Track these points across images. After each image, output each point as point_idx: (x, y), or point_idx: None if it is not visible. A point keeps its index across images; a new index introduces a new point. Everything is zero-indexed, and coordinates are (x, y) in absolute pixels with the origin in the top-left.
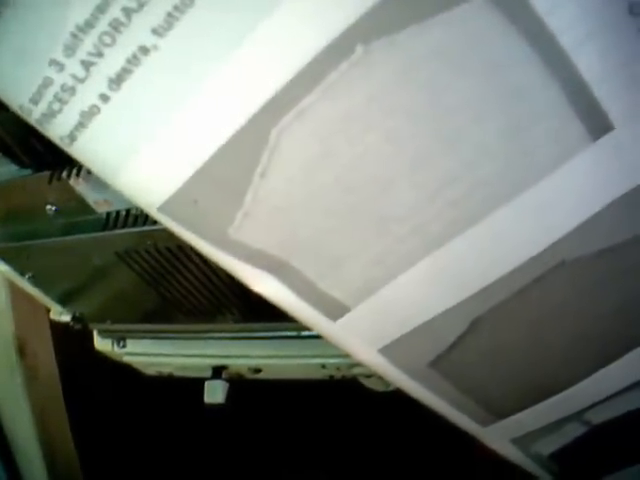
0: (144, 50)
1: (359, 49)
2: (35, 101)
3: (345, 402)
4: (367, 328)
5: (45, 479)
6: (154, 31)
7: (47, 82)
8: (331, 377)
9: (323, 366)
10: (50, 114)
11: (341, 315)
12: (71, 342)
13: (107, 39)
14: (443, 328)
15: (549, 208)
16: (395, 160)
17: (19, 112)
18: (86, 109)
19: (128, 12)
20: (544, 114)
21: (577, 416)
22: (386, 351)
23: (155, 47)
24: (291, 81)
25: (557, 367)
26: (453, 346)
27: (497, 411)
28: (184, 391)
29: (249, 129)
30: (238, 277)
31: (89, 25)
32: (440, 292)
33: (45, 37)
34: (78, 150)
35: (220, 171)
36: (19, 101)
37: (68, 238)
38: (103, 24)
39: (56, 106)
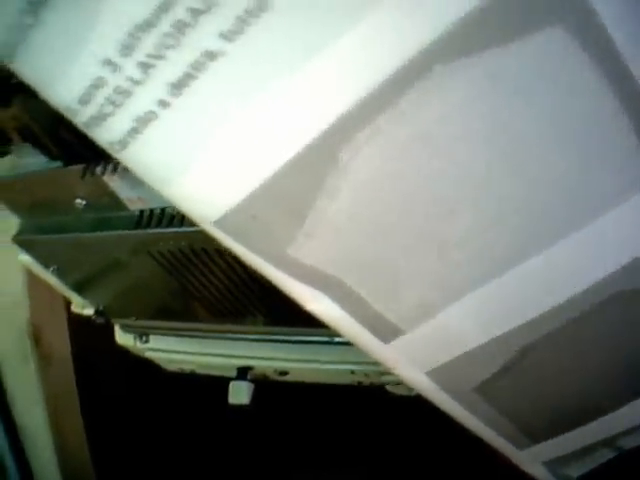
0: (210, 55)
1: (437, 69)
2: (84, 102)
3: (365, 405)
4: (418, 351)
5: (54, 468)
6: (222, 35)
7: (99, 83)
8: (359, 383)
9: (352, 372)
10: (100, 117)
11: (394, 338)
12: (87, 332)
13: (169, 41)
14: (492, 354)
15: (611, 239)
16: (460, 185)
17: (65, 113)
18: (142, 114)
19: (194, 13)
20: (612, 147)
21: (610, 441)
22: (433, 374)
23: (222, 52)
24: (366, 98)
25: (597, 395)
26: (500, 372)
27: (535, 435)
28: (202, 387)
29: (318, 146)
30: (290, 294)
31: (149, 24)
32: (494, 319)
33: (100, 33)
34: (129, 157)
35: (284, 188)
36: (66, 101)
37: (98, 234)
38: (165, 24)
39: (108, 109)
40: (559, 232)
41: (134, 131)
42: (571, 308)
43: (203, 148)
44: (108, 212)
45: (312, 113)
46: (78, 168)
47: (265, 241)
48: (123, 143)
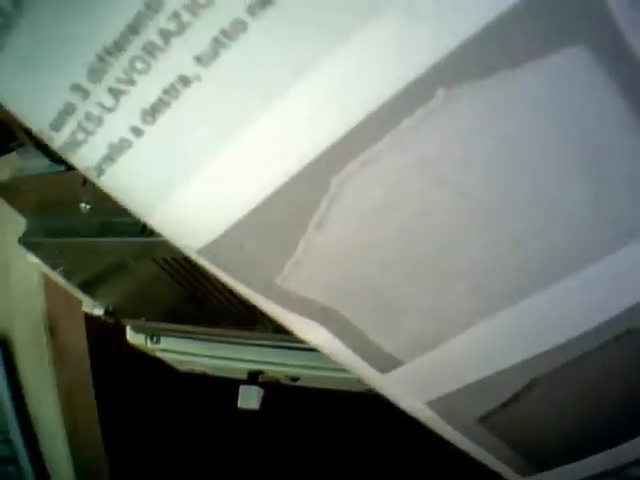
0: (184, 80)
1: (440, 94)
2: (56, 128)
3: (376, 411)
4: (417, 382)
5: (68, 460)
6: (197, 59)
7: (69, 108)
8: (369, 391)
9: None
10: (74, 144)
11: (392, 368)
12: (104, 325)
13: (140, 65)
14: (497, 387)
15: (623, 277)
16: (465, 216)
17: (41, 137)
18: (115, 142)
19: (166, 35)
20: (632, 179)
21: (617, 471)
22: (434, 404)
23: (197, 77)
24: (359, 125)
25: (605, 428)
26: (505, 404)
27: (540, 464)
28: (218, 386)
29: (308, 174)
30: (283, 324)
31: (118, 47)
32: (498, 352)
33: (66, 57)
34: (106, 185)
35: (272, 217)
36: (39, 125)
37: (102, 240)
38: (136, 47)
39: (80, 136)
40: (570, 266)
41: (109, 159)
42: (581, 344)
43: (183, 177)
44: (113, 217)
45: (300, 140)
46: (80, 174)
47: (252, 271)
48: (99, 170)
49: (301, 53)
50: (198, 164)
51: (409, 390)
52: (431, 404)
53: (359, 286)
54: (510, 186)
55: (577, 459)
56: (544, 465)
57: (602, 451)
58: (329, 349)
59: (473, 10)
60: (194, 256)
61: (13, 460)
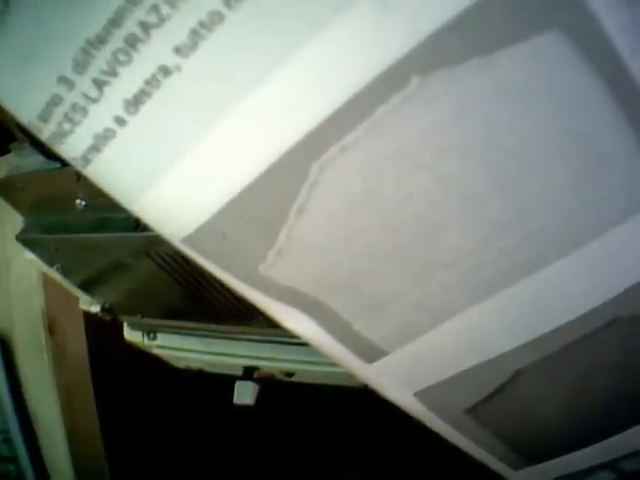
0: (165, 71)
1: (414, 81)
2: (44, 119)
3: (370, 406)
4: (404, 372)
5: (67, 458)
6: (177, 50)
7: (56, 100)
8: (364, 386)
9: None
10: (61, 134)
11: (377, 358)
12: (102, 324)
13: (122, 57)
14: (484, 377)
15: (608, 264)
16: (445, 203)
17: (29, 129)
18: (100, 132)
19: (146, 27)
20: (614, 164)
21: (610, 464)
22: (422, 395)
23: (178, 68)
24: (336, 112)
25: (596, 420)
26: (492, 395)
27: (530, 457)
28: (215, 383)
29: (287, 162)
30: (266, 312)
31: (101, 40)
32: (484, 342)
33: (52, 51)
34: (93, 174)
35: (253, 205)
36: (27, 117)
37: (97, 235)
38: (117, 40)
39: (67, 126)
40: (554, 253)
41: (94, 149)
42: (567, 333)
43: (166, 165)
44: (108, 213)
45: (278, 128)
46: (74, 170)
47: (236, 259)
48: (85, 160)
49: (277, 43)
50: (180, 153)
51: (396, 380)
52: (418, 395)
53: (341, 275)
54: (489, 171)
55: (568, 452)
56: (536, 458)
57: (592, 444)
58: (313, 338)
59: None
60: (178, 245)
61: (13, 459)
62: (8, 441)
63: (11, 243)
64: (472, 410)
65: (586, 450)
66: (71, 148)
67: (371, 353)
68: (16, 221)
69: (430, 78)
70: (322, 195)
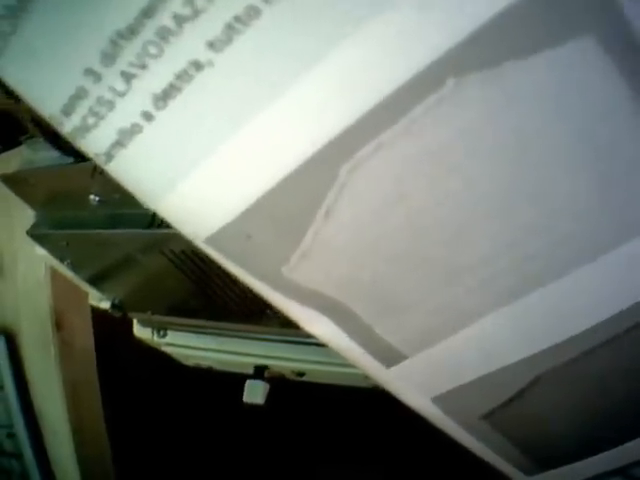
0: (197, 65)
1: (450, 82)
2: (67, 113)
3: (380, 406)
4: (422, 377)
5: (72, 455)
6: (210, 44)
7: (81, 93)
8: (375, 387)
9: (367, 377)
10: (84, 128)
11: (396, 362)
12: (110, 320)
13: (153, 49)
14: (502, 383)
15: (632, 269)
16: (474, 206)
17: (50, 122)
18: (126, 127)
19: (179, 20)
20: (637, 172)
21: (622, 470)
22: (439, 400)
23: (210, 63)
24: (370, 112)
25: (610, 426)
26: (509, 401)
27: (544, 463)
28: (224, 381)
29: (317, 162)
30: (287, 314)
31: (132, 32)
32: (505, 347)
33: (79, 41)
34: (115, 170)
35: (279, 206)
36: (49, 110)
37: (111, 231)
38: (149, 32)
39: (91, 120)
40: (578, 259)
41: (119, 144)
42: (589, 339)
43: (193, 164)
44: (122, 209)
45: (310, 128)
46: (90, 165)
47: (259, 261)
48: (108, 156)
49: (314, 41)
50: (207, 151)
51: (414, 385)
52: (436, 400)
53: (366, 278)
54: (517, 177)
55: (582, 458)
56: (549, 464)
57: (607, 450)
58: (333, 341)
59: None
60: (201, 245)
61: (17, 455)
62: (13, 436)
63: (19, 237)
64: (488, 415)
65: (599, 456)
66: (94, 143)
67: (391, 357)
68: (24, 215)
69: (466, 80)
70: (351, 197)
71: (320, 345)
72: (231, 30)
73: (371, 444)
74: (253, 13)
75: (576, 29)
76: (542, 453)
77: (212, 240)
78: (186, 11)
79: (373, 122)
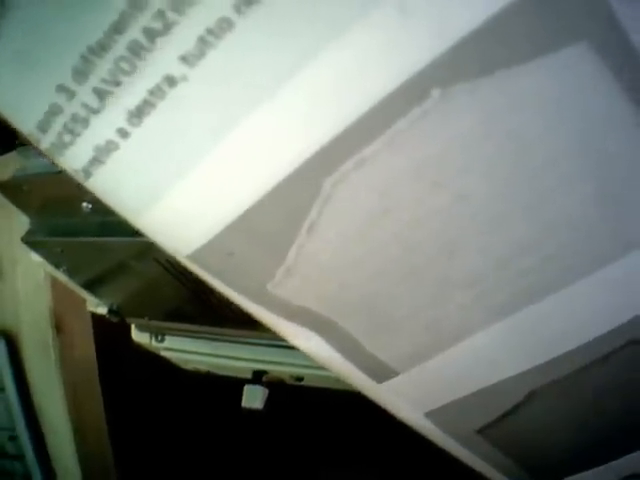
0: (170, 81)
1: (435, 94)
2: (43, 129)
3: (379, 411)
4: (415, 392)
5: (74, 456)
6: (183, 59)
7: (55, 110)
8: None
9: None
10: (60, 145)
11: (387, 378)
12: (111, 322)
13: (125, 65)
14: (496, 398)
15: (628, 285)
16: (464, 222)
17: (28, 139)
18: (102, 144)
19: (151, 34)
20: (636, 183)
21: None
22: (433, 415)
23: (184, 77)
24: (352, 125)
25: (607, 441)
26: (504, 416)
27: (540, 476)
28: (223, 383)
29: (299, 177)
30: (274, 330)
31: (103, 47)
32: (499, 362)
33: (51, 57)
34: (95, 187)
35: (261, 222)
36: (26, 127)
37: (104, 239)
38: (120, 47)
39: (67, 138)
40: (573, 274)
41: (96, 161)
42: (585, 354)
43: (171, 180)
44: (114, 216)
45: (290, 142)
46: None
47: (243, 277)
48: (87, 172)
49: (290, 51)
50: (186, 166)
51: (406, 400)
52: (429, 415)
53: (354, 295)
54: (511, 190)
55: (578, 471)
56: (544, 477)
57: (602, 464)
58: (322, 357)
59: (470, 5)
60: (183, 261)
61: (19, 457)
62: (14, 439)
63: (18, 241)
64: (483, 430)
65: (596, 469)
66: (71, 160)
67: (382, 373)
68: (23, 219)
69: (452, 91)
70: (335, 212)
71: None
72: (203, 44)
73: (370, 448)
74: (226, 25)
75: (568, 36)
76: (537, 466)
77: (194, 257)
78: (157, 25)
79: (355, 136)
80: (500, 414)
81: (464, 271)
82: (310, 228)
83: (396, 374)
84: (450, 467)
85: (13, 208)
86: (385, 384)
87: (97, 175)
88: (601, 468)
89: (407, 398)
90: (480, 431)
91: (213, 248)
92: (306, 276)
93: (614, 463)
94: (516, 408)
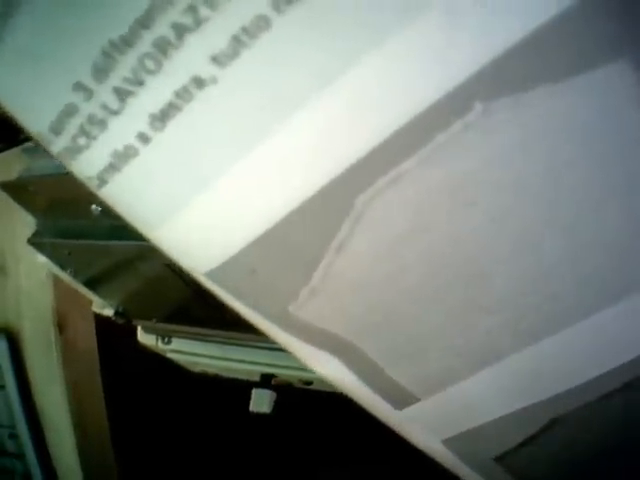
0: (199, 82)
1: (478, 107)
2: (56, 131)
3: None
4: (434, 419)
5: (75, 456)
6: (214, 59)
7: (71, 110)
8: None
9: None
10: (75, 149)
11: (407, 404)
12: (114, 322)
13: (150, 64)
14: (518, 425)
15: None
16: (496, 242)
17: (39, 141)
18: (120, 149)
19: (180, 30)
20: None
21: None
22: (450, 442)
23: (214, 79)
24: (389, 139)
25: (628, 471)
26: (524, 443)
27: None
28: (228, 388)
29: (330, 193)
30: (292, 353)
31: (126, 43)
32: (522, 390)
33: (69, 52)
34: (109, 196)
35: (288, 239)
36: (37, 128)
37: (114, 243)
38: (146, 43)
39: (82, 141)
40: (605, 299)
41: (112, 168)
42: (609, 381)
43: (192, 191)
44: (124, 220)
45: (323, 155)
46: None
47: (264, 297)
48: (101, 179)
49: (329, 56)
50: (210, 177)
51: (425, 427)
52: (447, 442)
53: (378, 317)
54: (545, 209)
55: None
56: None
57: None
58: (341, 381)
59: (519, 15)
60: (201, 279)
61: (19, 455)
62: (15, 437)
63: (21, 238)
64: (502, 458)
65: None
66: (85, 165)
67: (402, 399)
68: (26, 216)
69: (495, 105)
70: (366, 230)
71: None
72: (237, 42)
73: (379, 453)
74: (263, 24)
75: (610, 52)
76: None
77: (213, 274)
78: (187, 20)
79: (392, 150)
80: (520, 441)
81: (493, 295)
82: (339, 247)
83: (417, 400)
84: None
85: (15, 205)
86: (404, 411)
87: (112, 183)
88: None
89: (425, 425)
90: (498, 459)
91: (234, 265)
92: (331, 297)
93: None
94: (536, 436)
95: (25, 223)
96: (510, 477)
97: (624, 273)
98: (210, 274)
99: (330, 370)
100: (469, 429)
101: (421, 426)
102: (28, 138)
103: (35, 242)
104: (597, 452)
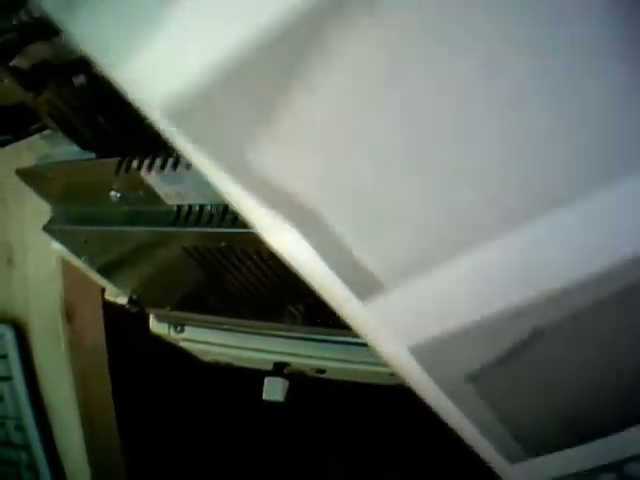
0: None
1: None
2: None
3: (401, 404)
4: (400, 317)
5: (81, 448)
6: None
7: None
8: (397, 384)
9: (392, 374)
10: None
11: (372, 295)
12: (123, 313)
13: None
14: (494, 334)
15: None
16: (485, 94)
17: None
18: None
19: None
20: None
21: (617, 466)
22: (418, 351)
23: None
24: None
25: (611, 405)
26: (501, 359)
27: (530, 447)
28: (241, 376)
29: (301, 20)
30: (250, 223)
31: None
32: (502, 286)
33: None
34: (76, 26)
35: (252, 72)
36: None
37: (133, 229)
38: None
39: None
40: (593, 179)
41: None
42: (597, 287)
43: (152, 27)
44: (144, 206)
45: None
46: (113, 161)
47: (223, 139)
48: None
49: None
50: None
51: (389, 327)
52: (414, 351)
53: (346, 178)
54: (544, 68)
55: (571, 445)
56: (537, 448)
57: (602, 436)
58: (296, 258)
59: None
60: (155, 118)
61: (26, 447)
62: (22, 429)
63: (30, 228)
64: (476, 377)
65: (594, 445)
66: None
67: (367, 287)
68: (35, 206)
69: None
70: (337, 70)
71: (343, 343)
72: None
73: (391, 442)
74: None
75: None
76: (530, 433)
77: (173, 111)
78: None
79: None
80: (496, 356)
81: (476, 159)
82: (306, 85)
83: (381, 289)
84: (468, 468)
85: (24, 195)
86: (368, 305)
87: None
88: (601, 443)
89: (390, 324)
90: (471, 378)
91: (192, 99)
92: (293, 145)
93: (615, 438)
94: (515, 351)
95: (34, 214)
96: (482, 403)
97: (614, 151)
98: (170, 112)
99: (285, 240)
100: (440, 334)
101: (385, 325)
102: (40, 128)
103: (51, 229)
104: (578, 380)
